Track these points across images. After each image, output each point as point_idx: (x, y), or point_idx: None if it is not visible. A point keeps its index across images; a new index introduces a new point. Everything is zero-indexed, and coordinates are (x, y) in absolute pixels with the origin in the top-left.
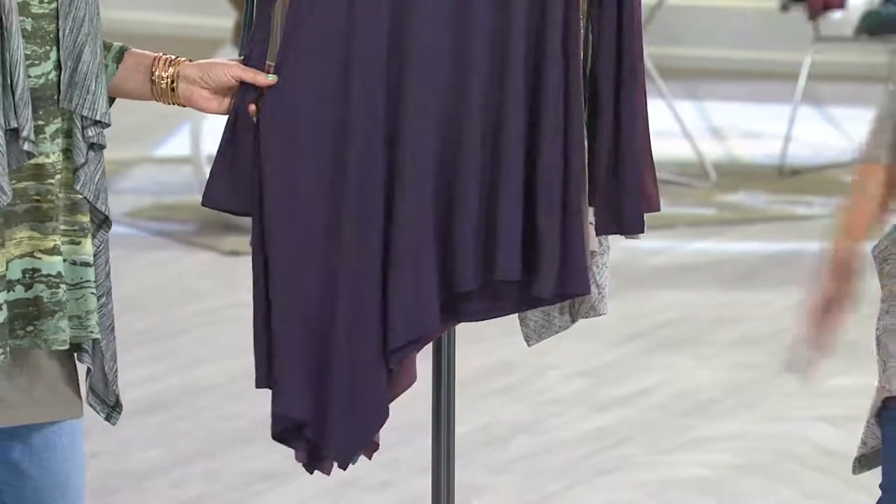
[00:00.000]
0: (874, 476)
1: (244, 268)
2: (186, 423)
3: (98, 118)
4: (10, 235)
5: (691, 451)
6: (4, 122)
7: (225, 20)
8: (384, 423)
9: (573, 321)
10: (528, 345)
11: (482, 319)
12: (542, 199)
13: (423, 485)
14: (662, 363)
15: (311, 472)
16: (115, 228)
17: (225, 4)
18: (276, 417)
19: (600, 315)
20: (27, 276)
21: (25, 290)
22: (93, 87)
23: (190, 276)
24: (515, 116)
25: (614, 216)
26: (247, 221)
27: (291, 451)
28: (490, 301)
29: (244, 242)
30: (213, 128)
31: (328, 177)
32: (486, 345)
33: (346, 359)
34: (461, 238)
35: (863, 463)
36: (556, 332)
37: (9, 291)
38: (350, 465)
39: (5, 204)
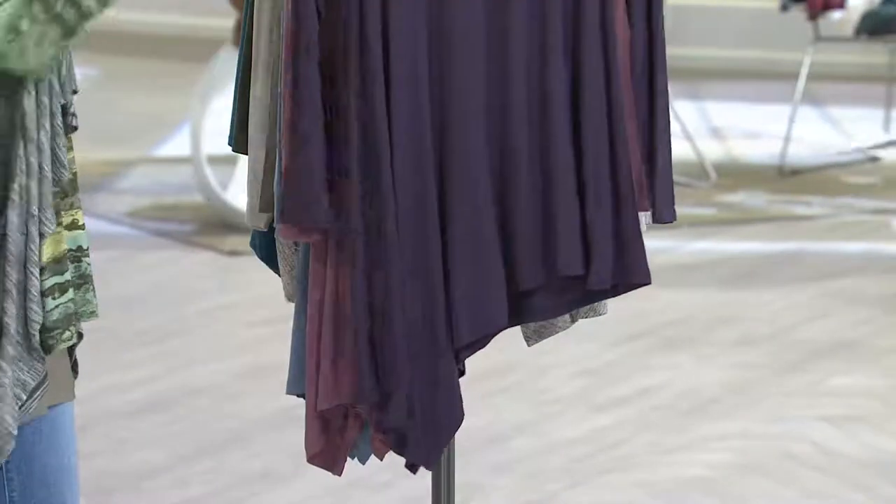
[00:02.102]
0: (874, 476)
1: (244, 268)
2: (186, 422)
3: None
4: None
5: (691, 451)
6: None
7: (225, 20)
8: (462, 421)
9: (573, 321)
10: (528, 345)
11: (552, 317)
12: (589, 191)
13: (423, 485)
14: (663, 363)
15: (415, 472)
16: (115, 228)
17: (225, 4)
18: (388, 430)
19: (600, 315)
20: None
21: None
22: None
23: (190, 276)
24: (560, 110)
25: (650, 205)
26: (246, 221)
27: (291, 451)
28: (555, 298)
29: (244, 242)
30: (214, 128)
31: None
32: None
33: (428, 360)
34: (520, 235)
35: None
36: (556, 332)
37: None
38: (346, 466)
39: (67, 179)
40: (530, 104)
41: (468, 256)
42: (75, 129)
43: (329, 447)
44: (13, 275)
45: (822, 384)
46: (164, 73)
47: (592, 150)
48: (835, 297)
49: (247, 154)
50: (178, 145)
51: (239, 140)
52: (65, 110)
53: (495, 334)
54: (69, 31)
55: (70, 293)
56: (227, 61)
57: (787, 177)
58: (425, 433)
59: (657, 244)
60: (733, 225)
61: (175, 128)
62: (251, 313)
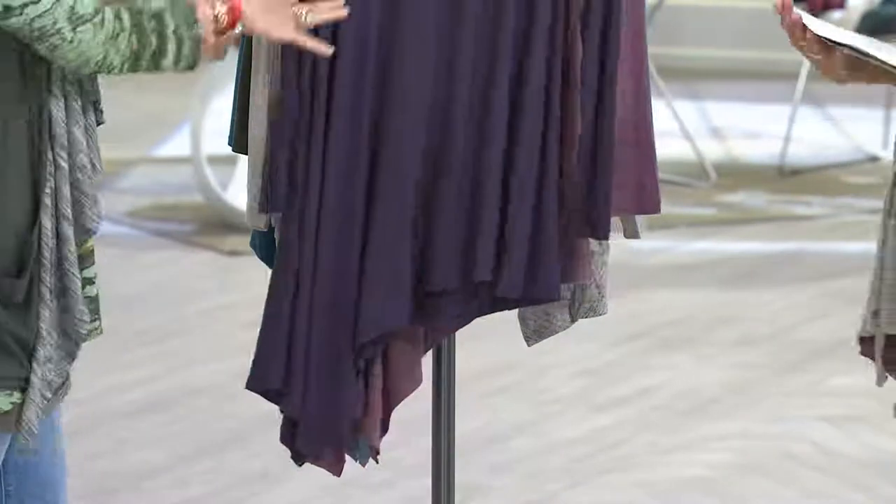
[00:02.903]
0: (874, 476)
1: (244, 268)
2: (186, 422)
3: None
4: None
5: (691, 451)
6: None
7: None
8: (353, 421)
9: (573, 321)
10: (528, 345)
11: (455, 327)
12: (514, 200)
13: (423, 485)
14: (662, 363)
15: (300, 465)
16: (115, 228)
17: None
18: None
19: (600, 315)
20: None
21: None
22: None
23: (190, 276)
24: (499, 117)
25: (587, 220)
26: (245, 221)
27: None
28: (462, 303)
29: (244, 242)
30: (213, 128)
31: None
32: (486, 345)
33: (323, 354)
34: (439, 237)
35: None
36: (556, 332)
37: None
38: (346, 466)
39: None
40: (472, 108)
41: (383, 254)
42: (101, 123)
43: (322, 446)
44: (48, 280)
45: (822, 384)
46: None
47: (523, 160)
48: (835, 297)
49: (247, 154)
50: (178, 145)
51: (239, 140)
52: (95, 107)
53: (394, 332)
54: (139, 59)
55: (90, 290)
56: (228, 61)
57: (787, 177)
58: (317, 426)
59: (657, 244)
60: (733, 225)
61: (175, 128)
62: (251, 313)
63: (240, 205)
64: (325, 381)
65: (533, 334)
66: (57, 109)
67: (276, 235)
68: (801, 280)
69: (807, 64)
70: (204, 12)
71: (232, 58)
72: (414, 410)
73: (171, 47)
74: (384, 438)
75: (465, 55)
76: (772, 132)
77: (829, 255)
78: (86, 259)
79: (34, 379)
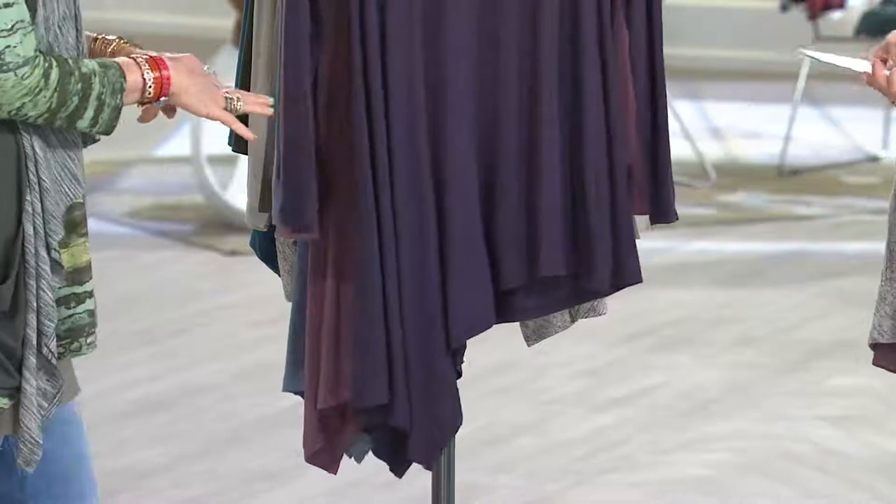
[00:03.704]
0: (874, 476)
1: (244, 268)
2: (186, 422)
3: None
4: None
5: (691, 451)
6: None
7: (225, 20)
8: (461, 424)
9: (573, 321)
10: (528, 345)
11: (535, 316)
12: (590, 194)
13: (423, 485)
14: (663, 363)
15: (401, 477)
16: (115, 228)
17: (225, 4)
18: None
19: (600, 315)
20: None
21: None
22: None
23: (190, 276)
24: (550, 114)
25: (652, 207)
26: (245, 221)
27: (291, 451)
28: (541, 297)
29: (244, 242)
30: (214, 128)
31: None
32: (486, 345)
33: (421, 360)
34: (504, 235)
35: None
36: (556, 332)
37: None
38: (344, 466)
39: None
40: (521, 105)
41: (463, 257)
42: (95, 140)
43: (326, 446)
44: (33, 286)
45: (822, 384)
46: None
47: (592, 152)
48: (835, 297)
49: (247, 154)
50: (178, 145)
51: (239, 140)
52: None
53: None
54: (55, 117)
55: (88, 303)
56: (227, 61)
57: (787, 177)
58: (426, 434)
59: (657, 244)
60: (733, 225)
61: (175, 128)
62: (251, 313)
63: (240, 205)
64: (427, 388)
65: (533, 334)
66: (36, 129)
67: (299, 248)
68: (801, 280)
69: (807, 64)
70: (134, 80)
71: (232, 57)
72: None
73: (89, 113)
74: None
75: (509, 51)
76: (772, 132)
77: (829, 255)
78: (83, 273)
79: (27, 388)
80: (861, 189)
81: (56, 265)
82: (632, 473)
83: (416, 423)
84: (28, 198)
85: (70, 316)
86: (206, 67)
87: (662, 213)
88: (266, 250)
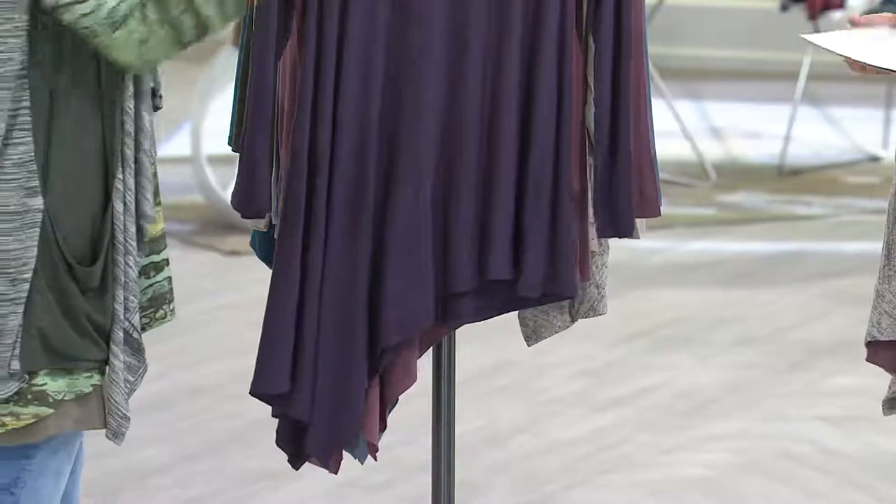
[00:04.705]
0: (874, 476)
1: (244, 268)
2: (188, 422)
3: None
4: None
5: (691, 451)
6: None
7: None
8: (361, 426)
9: (573, 321)
10: (528, 345)
11: (475, 320)
12: (530, 199)
13: (424, 485)
14: (662, 363)
15: (297, 469)
16: None
17: None
18: (286, 418)
19: (600, 315)
20: None
21: None
22: None
23: (190, 276)
24: (509, 120)
25: (610, 219)
26: (245, 221)
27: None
28: (483, 301)
29: (244, 242)
30: (214, 128)
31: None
32: (486, 345)
33: (334, 356)
34: (457, 237)
35: (892, 405)
36: (556, 332)
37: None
38: (343, 466)
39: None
40: (482, 109)
41: (403, 258)
42: (159, 108)
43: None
44: (121, 262)
45: (822, 384)
46: (165, 72)
47: (537, 159)
48: (835, 297)
49: None
50: (178, 145)
51: (239, 140)
52: (154, 92)
53: (426, 341)
54: (182, 40)
55: (166, 271)
56: (227, 61)
57: (787, 177)
58: (326, 430)
59: (657, 244)
60: (733, 225)
61: (175, 128)
62: (251, 313)
63: None
64: (336, 383)
65: (532, 334)
66: (128, 98)
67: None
68: (801, 280)
69: (807, 64)
70: None
71: (232, 57)
72: (414, 410)
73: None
74: (384, 438)
75: (474, 58)
76: (772, 132)
77: (829, 255)
78: (160, 241)
79: (115, 362)
80: (861, 189)
81: (141, 240)
82: (631, 473)
83: (317, 417)
84: (120, 175)
85: (151, 285)
86: None
87: (619, 228)
88: (266, 250)
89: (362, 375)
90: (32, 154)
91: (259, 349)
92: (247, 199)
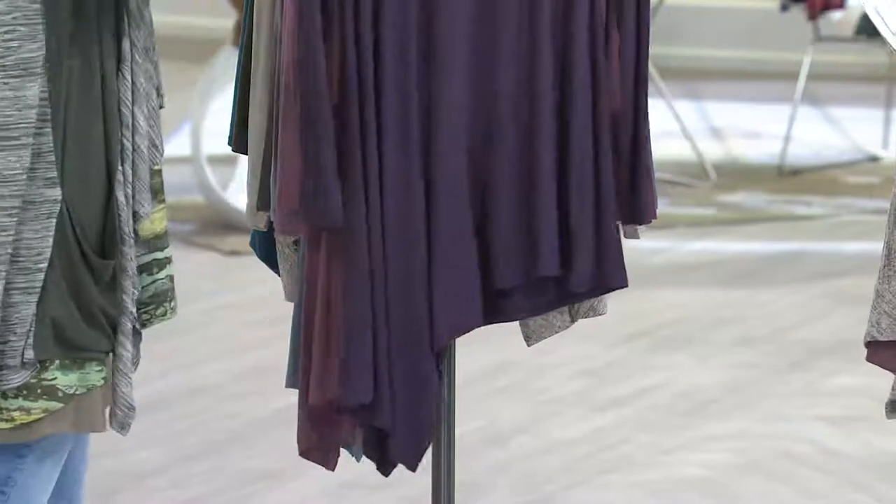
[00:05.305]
0: (874, 476)
1: (244, 268)
2: (187, 422)
3: None
4: None
5: (691, 451)
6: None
7: (225, 20)
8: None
9: (573, 321)
10: (528, 345)
11: (526, 317)
12: (574, 195)
13: (423, 484)
14: (662, 363)
15: (387, 475)
16: None
17: (225, 4)
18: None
19: (600, 315)
20: None
21: None
22: None
23: (190, 276)
24: (546, 116)
25: (630, 213)
26: (245, 221)
27: (291, 451)
28: (531, 298)
29: (244, 242)
30: (214, 128)
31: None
32: (486, 345)
33: (406, 362)
34: (499, 235)
35: (895, 408)
36: (556, 332)
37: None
38: (343, 466)
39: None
40: (518, 105)
41: (448, 257)
42: (161, 108)
43: (320, 442)
44: (128, 253)
45: (822, 384)
46: (165, 72)
47: (578, 155)
48: (835, 297)
49: (247, 154)
50: (178, 145)
51: (239, 140)
52: (157, 91)
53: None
54: None
55: (169, 269)
56: (227, 61)
57: (787, 177)
58: (409, 434)
59: (657, 244)
60: (733, 225)
61: (175, 128)
62: (251, 313)
63: (240, 205)
64: (410, 389)
65: (533, 334)
66: (125, 94)
67: (301, 247)
68: (801, 280)
69: (807, 64)
70: None
71: (232, 57)
72: None
73: None
74: None
75: (504, 59)
76: (772, 132)
77: (829, 255)
78: (163, 239)
79: (123, 353)
80: (861, 189)
81: (136, 234)
82: (631, 473)
83: (399, 423)
84: (121, 167)
85: (153, 282)
86: None
87: (637, 215)
88: (266, 250)
89: (433, 375)
90: (52, 145)
91: (341, 360)
92: (321, 212)
